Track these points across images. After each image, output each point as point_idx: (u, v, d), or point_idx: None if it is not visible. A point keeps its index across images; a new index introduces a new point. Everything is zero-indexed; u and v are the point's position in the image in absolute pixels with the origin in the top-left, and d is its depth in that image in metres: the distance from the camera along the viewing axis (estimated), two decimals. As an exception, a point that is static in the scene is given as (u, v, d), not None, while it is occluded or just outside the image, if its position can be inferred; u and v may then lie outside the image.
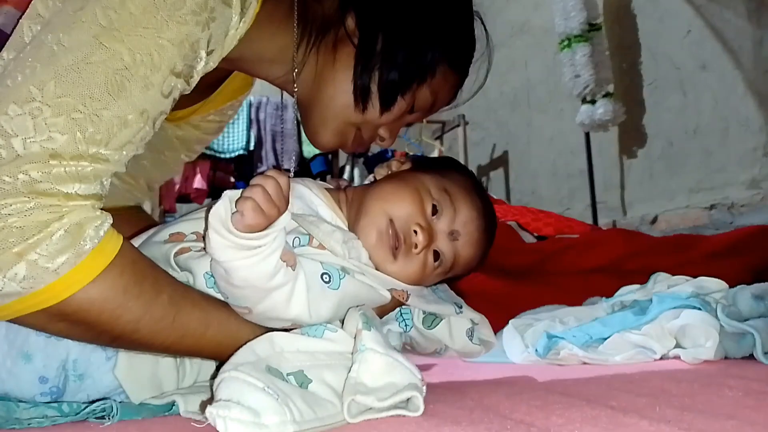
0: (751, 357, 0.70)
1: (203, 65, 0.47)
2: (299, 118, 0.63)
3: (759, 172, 1.88)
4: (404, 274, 0.56)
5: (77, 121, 0.41)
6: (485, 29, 0.64)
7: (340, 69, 0.57)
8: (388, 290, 0.56)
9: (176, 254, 0.51)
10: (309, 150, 2.79)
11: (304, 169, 2.82)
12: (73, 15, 0.42)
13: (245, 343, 0.47)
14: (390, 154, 3.07)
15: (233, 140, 2.71)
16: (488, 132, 3.30)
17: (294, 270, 0.48)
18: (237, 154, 2.69)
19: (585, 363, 0.74)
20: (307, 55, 0.58)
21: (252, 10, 0.49)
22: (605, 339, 0.77)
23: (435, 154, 3.02)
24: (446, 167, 0.63)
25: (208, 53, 0.47)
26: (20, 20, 0.46)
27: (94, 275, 0.41)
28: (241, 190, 0.45)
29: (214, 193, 2.73)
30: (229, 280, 0.46)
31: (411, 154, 3.05)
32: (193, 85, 0.48)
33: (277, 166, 2.73)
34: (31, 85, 0.40)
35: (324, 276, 0.50)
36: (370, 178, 0.65)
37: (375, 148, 3.03)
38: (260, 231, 0.44)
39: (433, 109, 0.63)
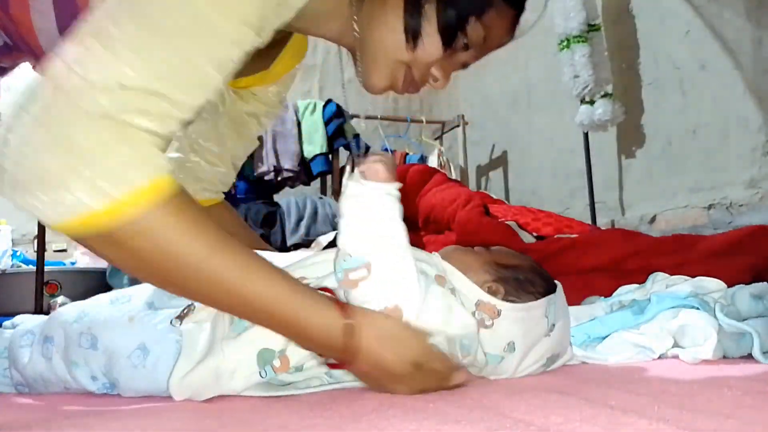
0: (750, 356, 0.70)
1: (275, 20, 0.48)
2: (357, 65, 0.63)
3: (758, 172, 1.88)
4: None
5: (147, 59, 0.43)
6: None
7: (390, 8, 0.58)
8: (476, 304, 0.56)
9: None
10: (309, 150, 2.79)
11: (304, 169, 2.81)
12: None
13: (281, 306, 0.48)
14: (390, 154, 3.06)
15: (233, 140, 2.71)
16: (488, 132, 3.30)
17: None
18: (237, 154, 2.69)
19: (584, 362, 0.74)
20: (361, 3, 0.60)
21: None
22: (604, 338, 0.77)
23: (435, 153, 3.02)
24: None
25: (279, 6, 0.48)
26: None
27: (148, 204, 0.43)
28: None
29: (214, 193, 2.73)
30: (359, 228, 0.51)
31: (411, 154, 3.06)
32: (265, 39, 0.49)
33: (278, 166, 2.73)
34: (107, 21, 0.43)
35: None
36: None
37: (375, 148, 3.03)
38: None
39: (487, 47, 0.62)
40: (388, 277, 0.51)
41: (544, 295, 0.61)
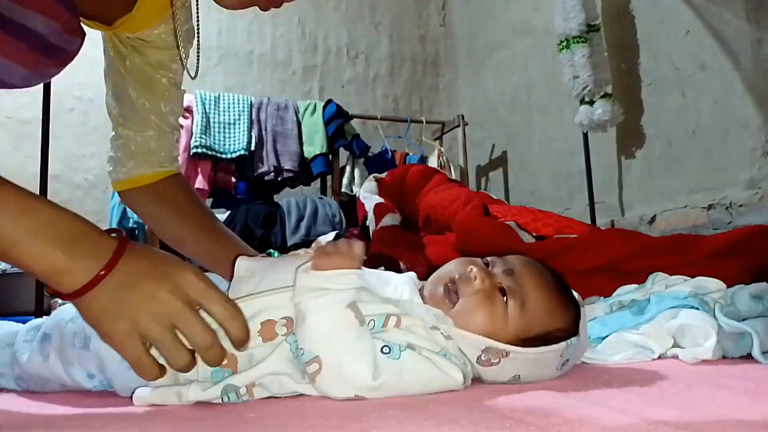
0: (750, 357, 0.70)
1: None
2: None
3: (758, 172, 1.88)
4: (481, 316, 0.55)
5: None
6: None
7: None
8: (483, 350, 0.55)
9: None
10: (310, 150, 2.79)
11: (304, 170, 2.81)
12: None
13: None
14: (390, 155, 3.07)
15: (234, 140, 2.71)
16: (488, 132, 3.30)
17: (361, 326, 0.51)
18: (238, 154, 2.68)
19: (583, 362, 0.74)
20: None
21: None
22: (603, 338, 0.77)
23: (435, 154, 3.02)
24: None
25: None
26: None
27: None
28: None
29: (215, 193, 2.72)
30: (304, 323, 0.50)
31: (411, 154, 3.05)
32: None
33: (278, 167, 2.72)
34: None
35: (384, 348, 0.52)
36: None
37: (375, 149, 3.03)
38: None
39: None
40: (339, 370, 0.50)
41: (563, 339, 0.57)
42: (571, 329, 0.58)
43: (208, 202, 2.74)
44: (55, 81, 2.16)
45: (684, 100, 2.12)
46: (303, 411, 0.49)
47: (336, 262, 0.51)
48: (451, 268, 0.59)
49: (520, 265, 0.59)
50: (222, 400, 0.52)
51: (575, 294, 0.62)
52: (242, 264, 0.58)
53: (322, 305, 0.50)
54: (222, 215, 2.53)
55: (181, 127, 0.84)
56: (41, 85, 2.02)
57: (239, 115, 2.73)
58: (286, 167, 2.72)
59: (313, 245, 0.56)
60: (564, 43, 2.21)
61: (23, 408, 0.57)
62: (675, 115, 2.15)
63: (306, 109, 2.83)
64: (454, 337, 0.55)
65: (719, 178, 1.99)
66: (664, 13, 2.19)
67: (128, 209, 2.58)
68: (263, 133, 2.73)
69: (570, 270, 1.02)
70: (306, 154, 2.78)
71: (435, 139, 3.17)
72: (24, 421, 0.51)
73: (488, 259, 0.60)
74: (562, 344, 0.57)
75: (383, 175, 1.64)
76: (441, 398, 0.53)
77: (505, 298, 0.56)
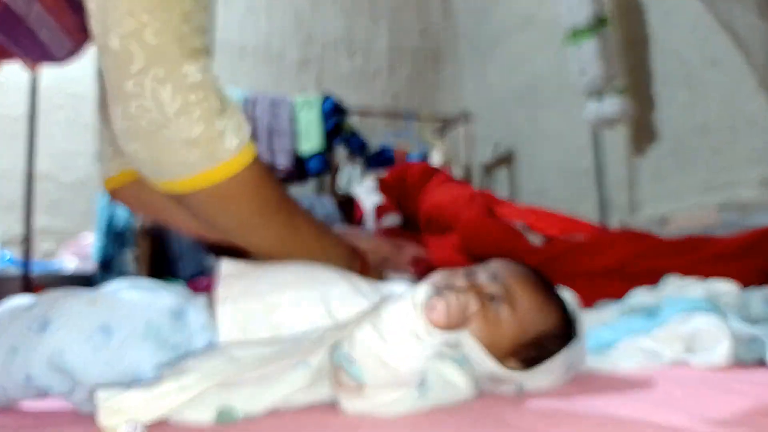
0: (762, 362, 0.69)
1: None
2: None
3: (768, 170, 1.86)
4: (475, 326, 0.53)
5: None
6: None
7: None
8: (489, 373, 0.54)
9: None
10: (306, 147, 2.76)
11: (300, 168, 2.78)
12: None
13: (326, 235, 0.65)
14: (390, 152, 3.05)
15: (234, 137, 2.69)
16: (493, 129, 3.28)
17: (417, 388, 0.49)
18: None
19: (593, 369, 0.72)
20: None
21: None
22: (613, 344, 0.75)
23: (437, 151, 3.00)
24: None
25: None
26: None
27: (251, 159, 0.53)
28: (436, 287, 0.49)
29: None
30: (379, 351, 0.46)
31: (413, 152, 3.03)
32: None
33: (273, 164, 2.70)
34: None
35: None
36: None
37: (374, 147, 3.01)
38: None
39: None
40: (373, 408, 0.48)
41: (559, 341, 0.56)
42: (564, 330, 0.58)
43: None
44: (44, 77, 2.13)
45: (693, 97, 2.10)
46: (305, 412, 0.48)
47: (444, 325, 0.45)
48: (434, 281, 0.56)
49: (502, 269, 0.59)
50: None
51: (563, 292, 0.61)
52: (230, 271, 0.54)
53: (409, 352, 0.45)
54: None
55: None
56: (28, 82, 2.01)
57: (237, 111, 2.71)
58: (281, 165, 2.69)
59: None
60: (572, 37, 2.18)
61: (12, 415, 0.56)
62: (684, 111, 2.13)
63: (302, 105, 2.79)
64: (467, 348, 0.53)
65: (730, 177, 1.97)
66: (673, 8, 2.16)
67: (117, 211, 2.55)
68: (258, 130, 2.68)
69: (578, 272, 1.01)
70: (302, 152, 2.74)
71: (438, 136, 3.15)
72: (15, 426, 0.49)
73: (470, 268, 0.59)
74: (563, 351, 0.56)
75: (383, 174, 1.63)
76: (442, 408, 0.51)
77: (494, 303, 0.55)
